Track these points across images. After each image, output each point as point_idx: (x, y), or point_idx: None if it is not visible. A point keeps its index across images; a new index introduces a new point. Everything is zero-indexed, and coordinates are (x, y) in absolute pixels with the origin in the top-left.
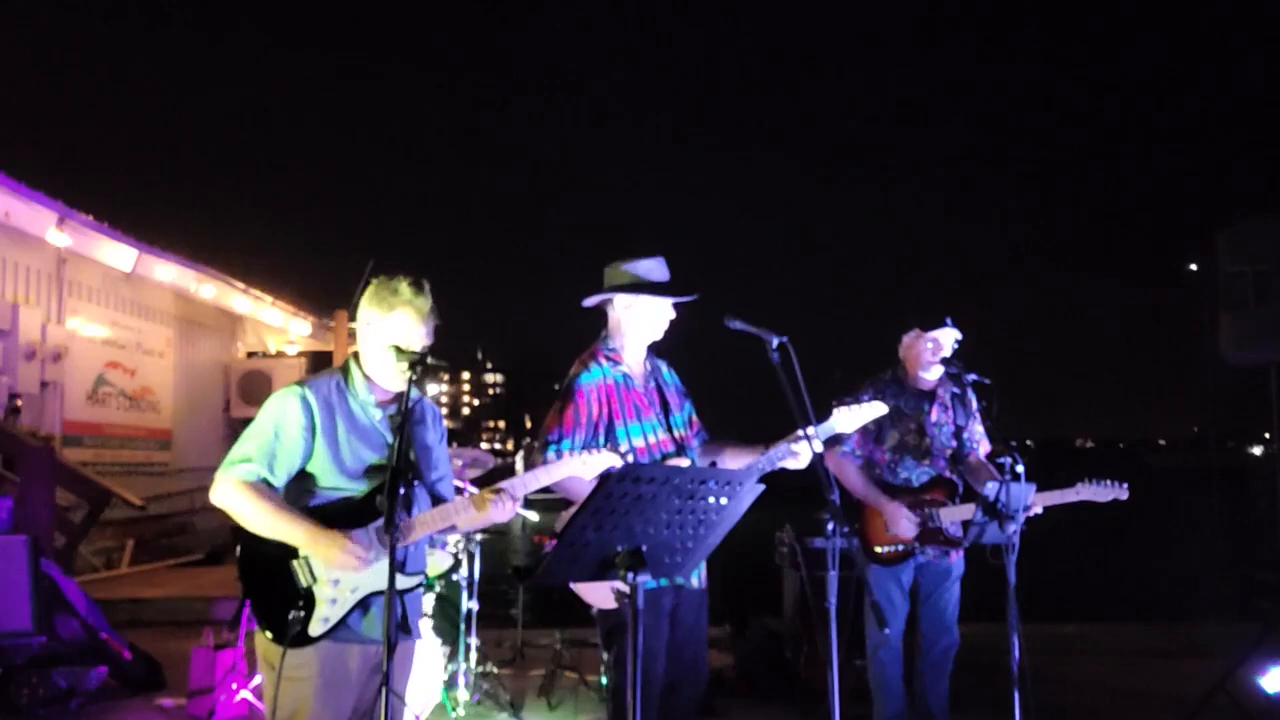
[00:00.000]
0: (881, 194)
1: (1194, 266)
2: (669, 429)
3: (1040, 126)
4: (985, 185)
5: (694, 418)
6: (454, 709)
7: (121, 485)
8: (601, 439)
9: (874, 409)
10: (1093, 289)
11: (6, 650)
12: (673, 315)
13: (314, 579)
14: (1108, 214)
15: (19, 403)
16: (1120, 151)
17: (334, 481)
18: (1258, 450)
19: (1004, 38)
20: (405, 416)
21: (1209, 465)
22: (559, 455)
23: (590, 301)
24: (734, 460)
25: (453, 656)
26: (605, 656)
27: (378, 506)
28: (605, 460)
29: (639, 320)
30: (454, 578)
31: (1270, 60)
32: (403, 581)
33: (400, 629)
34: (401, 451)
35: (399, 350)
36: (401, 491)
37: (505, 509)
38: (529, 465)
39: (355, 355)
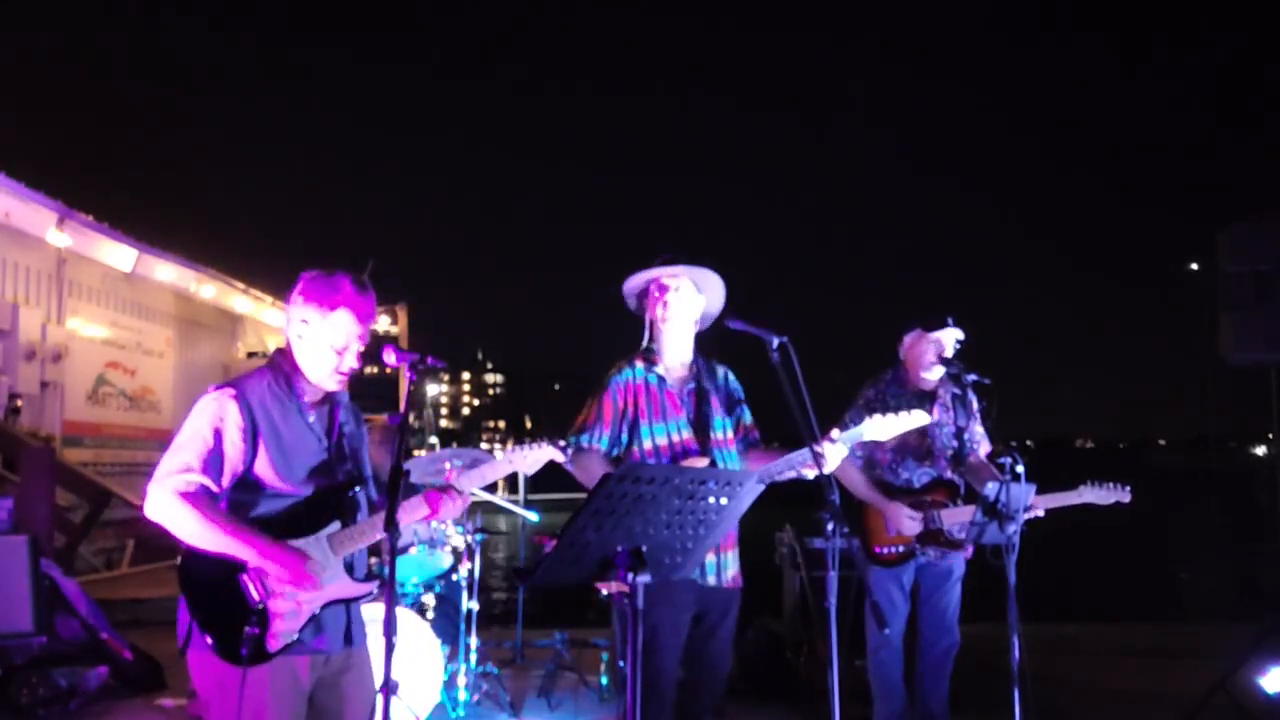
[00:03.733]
0: (882, 193)
1: (1194, 266)
2: (703, 430)
3: (1042, 125)
4: (986, 185)
5: (745, 423)
6: (454, 709)
7: (122, 485)
8: (625, 435)
9: (915, 419)
10: (1094, 289)
11: (7, 650)
12: (695, 304)
13: (267, 593)
14: (1109, 214)
15: (19, 403)
16: (1122, 151)
17: (277, 487)
18: (1261, 450)
19: (1009, 37)
20: (404, 420)
21: (1209, 465)
22: (578, 447)
23: (630, 301)
24: (755, 464)
25: (453, 656)
26: (606, 657)
27: (346, 509)
28: (544, 454)
29: (664, 309)
30: (454, 578)
31: (1273, 61)
32: (353, 590)
33: (345, 639)
34: (400, 451)
35: (399, 351)
36: (351, 494)
37: (455, 506)
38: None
39: (282, 352)
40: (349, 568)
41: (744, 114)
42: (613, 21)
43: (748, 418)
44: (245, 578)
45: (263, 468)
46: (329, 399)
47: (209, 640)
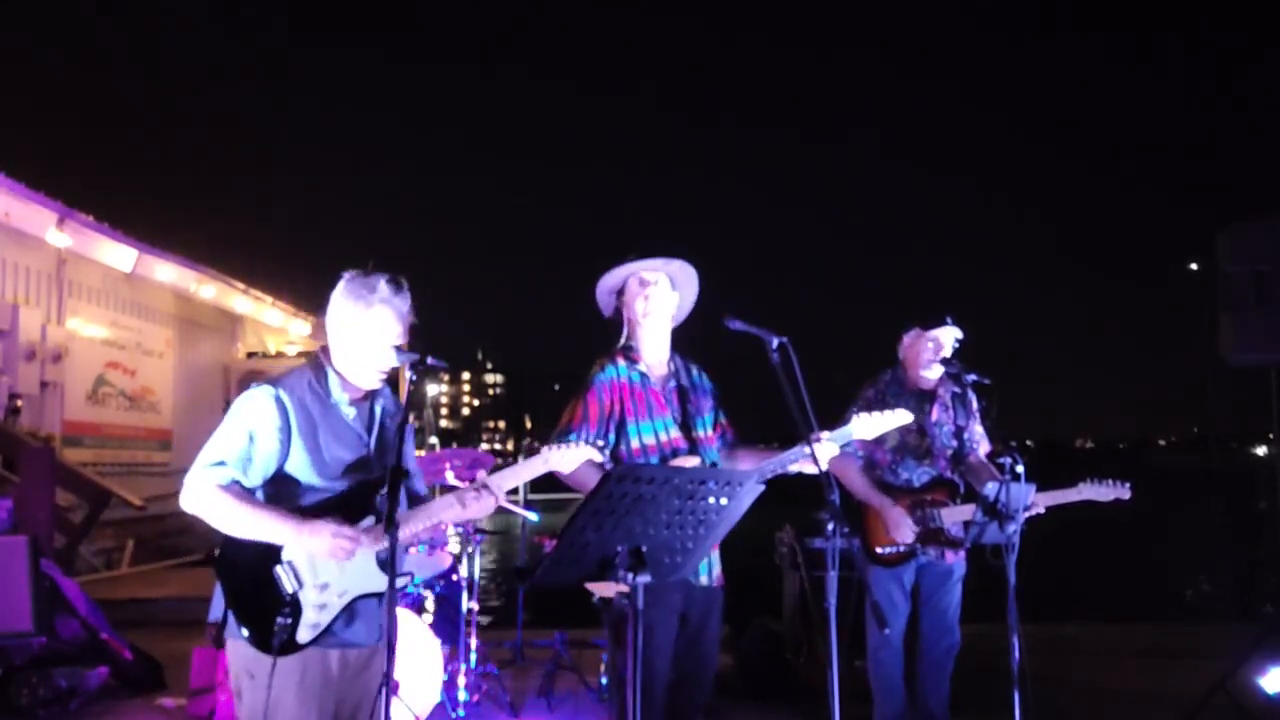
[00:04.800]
0: (883, 195)
1: (1194, 266)
2: (687, 428)
3: (1041, 125)
4: (985, 185)
5: (721, 421)
6: (454, 709)
7: (121, 485)
8: (612, 435)
9: (898, 417)
10: (1093, 289)
11: (7, 650)
12: (672, 300)
13: (299, 584)
14: (1109, 214)
15: (19, 403)
16: (1122, 150)
17: (312, 483)
18: (1261, 451)
19: (1008, 37)
20: (404, 419)
21: (1209, 465)
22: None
23: (603, 300)
24: (746, 462)
25: (452, 656)
26: (605, 658)
27: (378, 505)
28: (582, 454)
29: (644, 305)
30: (454, 578)
31: (1272, 60)
32: (385, 583)
33: (378, 634)
34: (400, 451)
35: (399, 351)
36: (386, 491)
37: (486, 504)
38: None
39: (324, 351)
40: (382, 563)
41: (744, 116)
42: (613, 22)
43: (722, 415)
44: (279, 569)
45: (298, 464)
46: (370, 396)
47: (243, 629)
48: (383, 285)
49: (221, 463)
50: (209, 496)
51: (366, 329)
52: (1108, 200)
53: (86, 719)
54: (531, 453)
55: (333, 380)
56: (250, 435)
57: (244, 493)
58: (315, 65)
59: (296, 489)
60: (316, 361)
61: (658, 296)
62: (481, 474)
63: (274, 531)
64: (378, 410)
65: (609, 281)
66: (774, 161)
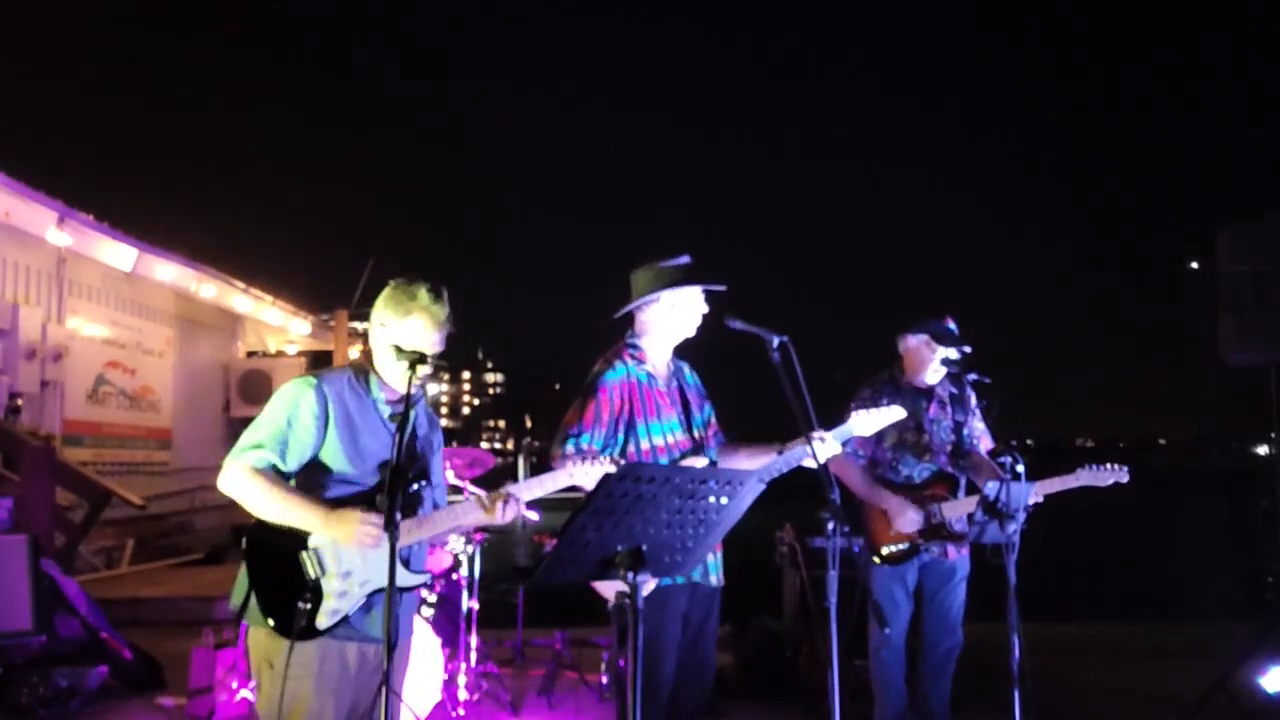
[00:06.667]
0: (883, 194)
1: (1194, 266)
2: (689, 429)
3: (1041, 126)
4: (987, 185)
5: (713, 420)
6: (454, 708)
7: (121, 485)
8: (621, 436)
9: (892, 413)
10: (1093, 289)
11: (6, 650)
12: (706, 310)
13: (323, 571)
14: (1109, 214)
15: (19, 402)
16: (1121, 151)
17: (346, 474)
18: (1262, 450)
19: (1006, 38)
20: (405, 416)
21: (1209, 465)
22: (578, 449)
23: (645, 303)
24: (749, 461)
25: (452, 656)
26: (606, 656)
27: (378, 505)
28: (605, 469)
29: (682, 317)
30: (454, 577)
31: (1272, 60)
32: (408, 579)
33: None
34: (401, 449)
35: (399, 350)
36: (414, 489)
37: (510, 512)
38: (548, 459)
39: (366, 354)
40: (405, 560)
41: (749, 124)
42: (614, 27)
43: (713, 414)
44: (304, 554)
45: (332, 454)
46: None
47: (264, 613)
48: (422, 293)
49: (259, 445)
50: (243, 479)
51: (403, 335)
52: (1108, 200)
53: (86, 718)
54: (532, 452)
55: (372, 381)
56: (289, 420)
57: (278, 477)
58: (315, 66)
59: (329, 478)
60: (358, 363)
61: (699, 317)
62: (508, 486)
63: (303, 517)
64: (412, 414)
65: (677, 293)
66: (777, 168)
